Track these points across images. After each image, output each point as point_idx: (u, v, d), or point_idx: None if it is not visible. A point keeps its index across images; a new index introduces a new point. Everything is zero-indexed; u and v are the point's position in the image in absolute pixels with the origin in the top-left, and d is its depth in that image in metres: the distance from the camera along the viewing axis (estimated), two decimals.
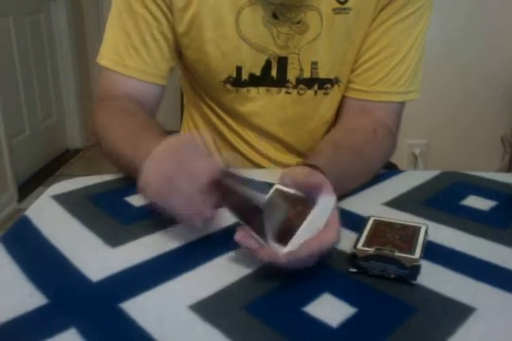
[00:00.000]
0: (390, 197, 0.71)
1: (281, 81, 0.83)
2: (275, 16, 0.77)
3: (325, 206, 0.50)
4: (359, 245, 0.52)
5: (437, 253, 0.56)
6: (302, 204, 0.50)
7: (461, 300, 0.48)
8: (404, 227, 0.57)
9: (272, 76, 0.83)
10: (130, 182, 0.71)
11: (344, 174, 0.65)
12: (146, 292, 0.49)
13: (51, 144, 3.01)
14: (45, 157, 2.93)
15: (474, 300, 0.48)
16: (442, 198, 0.71)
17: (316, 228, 0.49)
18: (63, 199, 0.70)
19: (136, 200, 0.69)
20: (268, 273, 0.51)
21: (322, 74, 0.83)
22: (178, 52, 0.85)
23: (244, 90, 0.84)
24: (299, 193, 0.51)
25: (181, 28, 0.79)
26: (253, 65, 0.81)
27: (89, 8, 3.17)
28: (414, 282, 0.50)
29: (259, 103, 0.85)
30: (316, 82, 0.83)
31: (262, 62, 0.81)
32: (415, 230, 0.56)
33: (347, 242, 0.56)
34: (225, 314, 0.46)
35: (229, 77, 0.82)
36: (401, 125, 0.86)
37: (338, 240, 0.51)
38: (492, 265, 0.54)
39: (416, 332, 0.44)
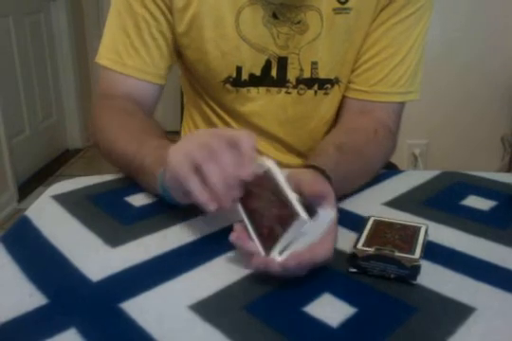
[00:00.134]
0: (390, 197, 0.71)
1: (281, 81, 0.83)
2: (275, 16, 0.77)
3: (324, 219, 0.49)
4: (359, 245, 0.52)
5: (437, 253, 0.56)
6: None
7: (461, 300, 0.48)
8: (404, 227, 0.57)
9: (272, 76, 0.83)
10: (130, 182, 0.72)
11: (347, 176, 0.65)
12: (146, 292, 0.49)
13: (51, 144, 3.01)
14: (45, 157, 2.93)
15: (474, 300, 0.48)
16: (442, 198, 0.71)
17: (310, 240, 0.49)
18: (63, 199, 0.70)
19: (136, 200, 0.69)
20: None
21: (322, 74, 0.83)
22: (177, 52, 0.85)
23: (244, 90, 0.84)
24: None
25: (181, 28, 0.79)
26: (253, 65, 0.81)
27: (89, 8, 3.17)
28: (414, 282, 0.50)
29: (259, 103, 0.85)
30: (316, 82, 0.83)
31: (262, 62, 0.81)
32: (415, 230, 0.56)
33: (347, 242, 0.56)
34: (225, 314, 0.46)
35: (229, 77, 0.82)
36: (401, 125, 0.86)
37: (331, 256, 0.50)
38: (492, 265, 0.54)
39: (416, 332, 0.44)
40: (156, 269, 0.53)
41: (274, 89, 0.84)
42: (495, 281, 0.51)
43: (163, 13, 0.78)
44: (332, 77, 0.83)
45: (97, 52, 0.82)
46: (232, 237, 0.51)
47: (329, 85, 0.84)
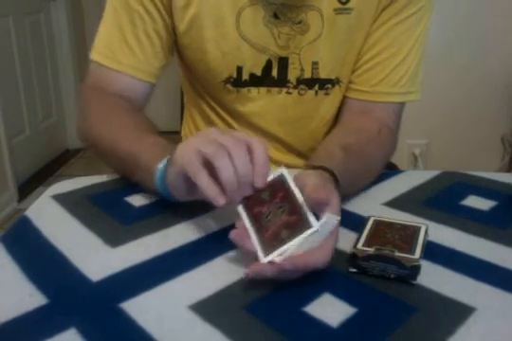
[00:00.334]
0: (390, 197, 0.71)
1: (281, 82, 0.83)
2: (276, 16, 0.77)
3: (327, 225, 0.49)
4: (359, 245, 0.52)
5: (437, 253, 0.56)
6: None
7: (461, 300, 0.48)
8: (404, 227, 0.57)
9: (273, 76, 0.83)
10: (130, 182, 0.72)
11: (352, 177, 0.65)
12: (146, 292, 0.49)
13: (51, 144, 3.01)
14: (45, 157, 2.93)
15: (474, 300, 0.48)
16: (442, 198, 0.71)
17: (310, 246, 0.49)
18: (63, 199, 0.70)
19: (136, 200, 0.69)
20: None
21: (323, 74, 0.83)
22: (178, 52, 0.85)
23: (244, 90, 0.84)
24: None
25: (181, 28, 0.79)
26: (254, 65, 0.81)
27: (89, 8, 3.17)
28: (414, 282, 0.50)
29: (259, 103, 0.85)
30: (316, 83, 0.83)
31: (262, 63, 0.81)
32: (415, 230, 0.56)
33: (347, 242, 0.56)
34: (225, 314, 0.46)
35: (230, 77, 0.82)
36: (401, 125, 0.86)
37: (327, 263, 0.49)
38: (492, 265, 0.54)
39: (416, 332, 0.44)
40: (156, 269, 0.53)
41: (275, 89, 0.84)
42: (495, 281, 0.51)
43: (160, 12, 0.78)
44: (333, 77, 0.83)
45: None
46: (232, 234, 0.51)
47: (330, 85, 0.84)
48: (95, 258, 0.56)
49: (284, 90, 0.84)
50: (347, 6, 0.77)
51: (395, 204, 0.69)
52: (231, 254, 0.55)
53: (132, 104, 0.78)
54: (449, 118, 2.24)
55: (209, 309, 0.47)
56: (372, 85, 0.82)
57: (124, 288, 0.50)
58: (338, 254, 0.55)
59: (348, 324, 0.45)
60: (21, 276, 0.52)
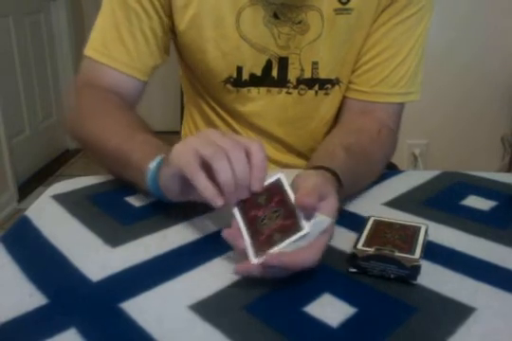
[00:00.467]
0: (390, 197, 0.71)
1: (281, 82, 0.83)
2: (276, 16, 0.77)
3: (317, 227, 0.49)
4: (359, 245, 0.52)
5: (437, 253, 0.56)
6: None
7: (461, 300, 0.48)
8: (404, 227, 0.57)
9: (273, 76, 0.83)
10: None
11: (354, 177, 0.65)
12: (146, 292, 0.49)
13: (51, 144, 3.01)
14: (45, 157, 2.93)
15: (474, 300, 0.48)
16: (442, 198, 0.71)
17: (297, 245, 0.49)
18: (63, 199, 0.70)
19: (136, 200, 0.69)
20: None
21: (323, 74, 0.83)
22: (178, 51, 0.85)
23: (244, 90, 0.84)
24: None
25: (181, 27, 0.79)
26: (254, 65, 0.81)
27: (89, 8, 3.17)
28: (414, 282, 0.50)
29: (259, 103, 0.85)
30: (316, 83, 0.83)
31: (262, 63, 0.81)
32: (415, 230, 0.56)
33: (347, 242, 0.56)
34: (225, 314, 0.46)
35: (230, 77, 0.82)
36: (401, 125, 0.86)
37: (317, 262, 0.49)
38: (492, 265, 0.54)
39: (416, 332, 0.44)
40: (156, 269, 0.53)
41: (275, 89, 0.84)
42: (495, 281, 0.51)
43: (157, 11, 0.77)
44: (332, 77, 0.83)
45: None
46: (225, 233, 0.51)
47: (330, 85, 0.84)
48: (95, 258, 0.56)
49: (284, 90, 0.84)
50: (347, 6, 0.77)
51: (395, 204, 0.69)
52: (231, 254, 0.55)
53: (123, 101, 0.78)
54: (449, 118, 2.24)
55: (209, 309, 0.47)
56: (372, 86, 0.82)
57: (124, 288, 0.50)
58: (338, 254, 0.55)
59: (348, 324, 0.45)
60: (21, 276, 0.52)
